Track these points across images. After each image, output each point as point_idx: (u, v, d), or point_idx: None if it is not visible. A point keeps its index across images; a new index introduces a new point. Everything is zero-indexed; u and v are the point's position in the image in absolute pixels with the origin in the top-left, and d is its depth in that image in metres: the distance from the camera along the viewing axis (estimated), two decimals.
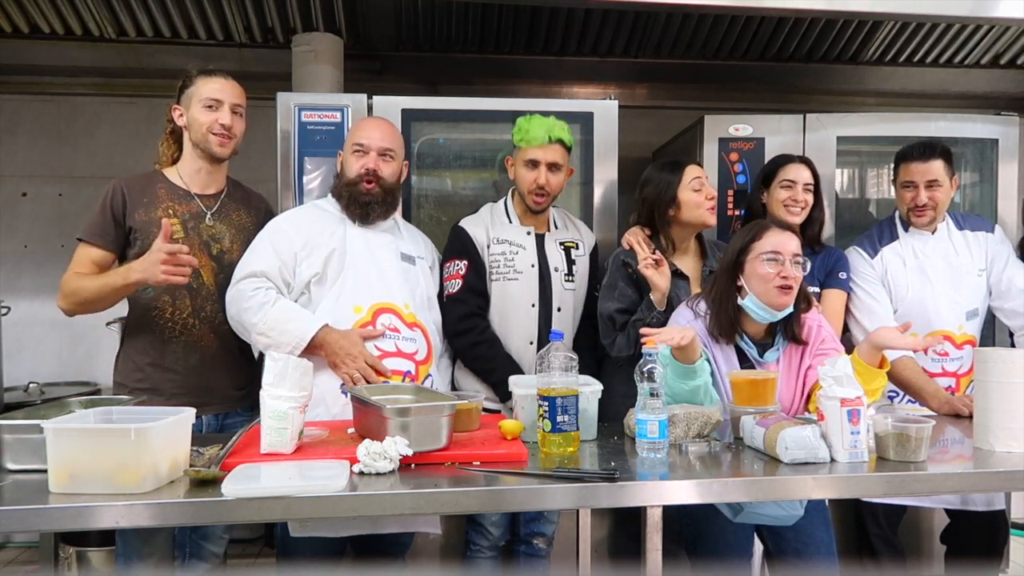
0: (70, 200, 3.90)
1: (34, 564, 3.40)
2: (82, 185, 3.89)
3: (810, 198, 2.62)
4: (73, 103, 3.86)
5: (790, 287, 2.02)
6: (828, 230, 3.04)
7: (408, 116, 2.81)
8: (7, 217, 3.87)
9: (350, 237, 2.25)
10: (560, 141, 2.43)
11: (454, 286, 2.42)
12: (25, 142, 3.86)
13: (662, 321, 2.25)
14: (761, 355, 2.10)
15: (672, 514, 2.24)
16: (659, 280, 2.30)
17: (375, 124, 2.37)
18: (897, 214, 2.71)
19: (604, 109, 2.88)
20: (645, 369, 1.77)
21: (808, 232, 2.63)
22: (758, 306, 2.04)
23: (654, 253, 2.34)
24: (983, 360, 1.88)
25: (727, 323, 2.08)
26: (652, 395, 1.76)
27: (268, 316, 2.13)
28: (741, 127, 3.05)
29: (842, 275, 2.62)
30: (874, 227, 2.75)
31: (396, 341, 2.18)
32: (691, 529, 2.13)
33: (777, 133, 3.06)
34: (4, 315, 3.28)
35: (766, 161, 2.88)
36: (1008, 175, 3.16)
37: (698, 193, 2.41)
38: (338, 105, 2.78)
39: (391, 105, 2.80)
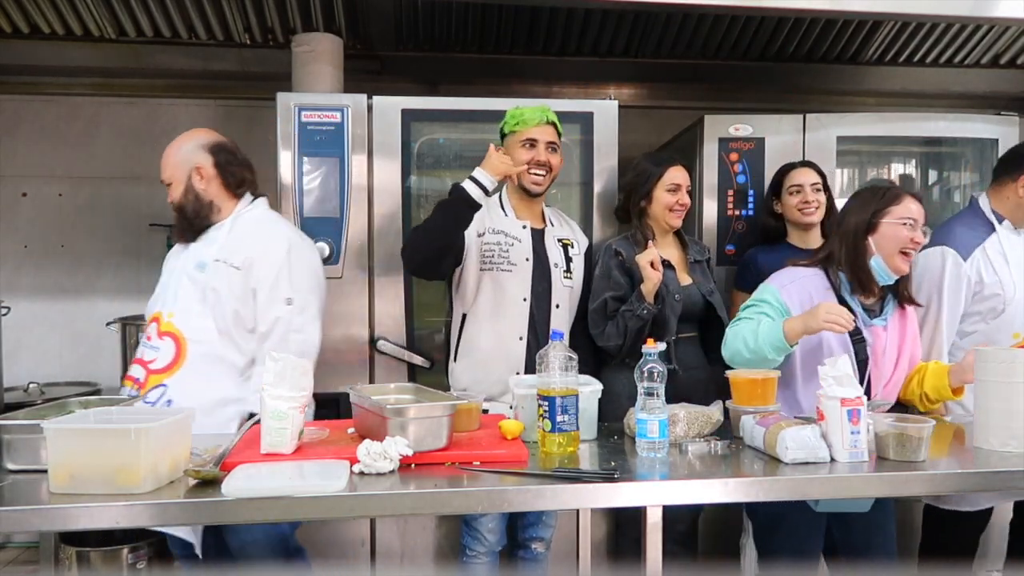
0: (70, 200, 3.90)
1: (34, 564, 3.40)
2: (82, 185, 3.90)
3: (822, 197, 2.67)
4: (73, 103, 3.86)
5: (910, 253, 2.10)
6: None
7: (408, 116, 2.81)
8: (7, 217, 3.87)
9: (172, 251, 2.39)
10: (553, 124, 2.47)
11: None
12: (25, 142, 3.86)
13: (652, 314, 2.34)
14: (869, 320, 2.15)
15: (751, 507, 2.26)
16: (653, 273, 2.33)
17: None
18: (982, 201, 2.48)
19: (604, 109, 2.88)
20: (645, 369, 1.77)
21: (825, 230, 2.66)
22: (881, 267, 2.11)
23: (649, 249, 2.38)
24: (983, 360, 1.88)
25: (865, 279, 2.13)
26: (652, 395, 1.76)
27: None
28: (741, 127, 3.06)
29: None
30: (959, 222, 2.50)
31: (144, 348, 2.26)
32: (763, 523, 2.18)
33: (777, 133, 3.06)
34: (4, 315, 3.28)
35: (766, 161, 2.89)
36: None
37: (671, 195, 2.49)
38: (338, 105, 2.78)
39: (391, 105, 2.80)
